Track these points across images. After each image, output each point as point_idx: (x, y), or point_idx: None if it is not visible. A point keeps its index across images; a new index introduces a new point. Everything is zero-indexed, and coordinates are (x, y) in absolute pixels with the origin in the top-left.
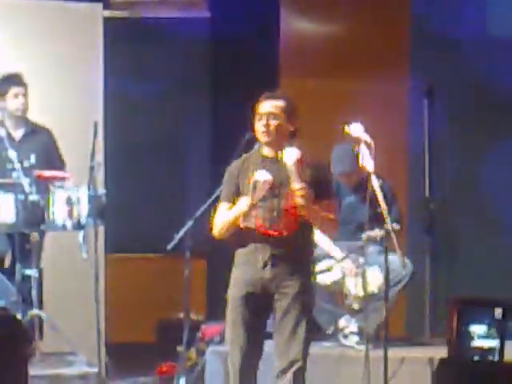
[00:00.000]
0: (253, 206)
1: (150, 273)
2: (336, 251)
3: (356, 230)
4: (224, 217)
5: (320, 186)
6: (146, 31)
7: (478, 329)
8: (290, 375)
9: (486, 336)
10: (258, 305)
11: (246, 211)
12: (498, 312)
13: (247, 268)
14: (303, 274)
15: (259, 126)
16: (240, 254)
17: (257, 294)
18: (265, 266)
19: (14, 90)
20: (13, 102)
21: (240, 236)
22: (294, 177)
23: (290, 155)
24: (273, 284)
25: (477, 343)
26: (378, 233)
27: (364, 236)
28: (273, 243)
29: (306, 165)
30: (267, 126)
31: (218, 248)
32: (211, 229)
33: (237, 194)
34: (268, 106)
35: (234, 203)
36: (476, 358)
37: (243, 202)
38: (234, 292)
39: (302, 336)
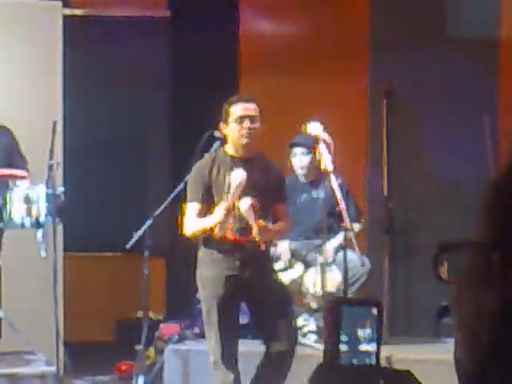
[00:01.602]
0: (230, 209)
1: (108, 271)
2: (285, 253)
3: (313, 227)
4: (200, 223)
5: (275, 190)
6: (105, 30)
7: (363, 332)
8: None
9: (372, 340)
10: (233, 302)
11: (224, 216)
12: (374, 312)
13: (220, 268)
14: (272, 272)
15: (238, 129)
16: (210, 253)
17: (232, 292)
18: (241, 264)
19: None
20: None
21: (212, 236)
22: (250, 220)
23: (244, 203)
24: (249, 281)
25: (363, 347)
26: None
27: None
28: (245, 244)
29: (266, 167)
30: (249, 128)
31: (176, 247)
32: (178, 229)
33: (206, 194)
34: (248, 109)
35: (205, 203)
36: (354, 361)
37: (221, 209)
38: (208, 291)
39: (290, 322)
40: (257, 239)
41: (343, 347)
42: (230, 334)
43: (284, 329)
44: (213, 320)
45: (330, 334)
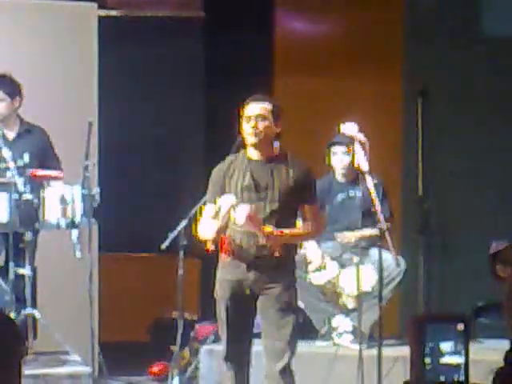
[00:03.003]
0: (220, 231)
1: (144, 272)
2: (316, 257)
3: (349, 227)
4: (202, 232)
5: (304, 190)
6: (140, 30)
7: (445, 346)
8: (277, 374)
9: (454, 352)
10: (243, 305)
11: (217, 235)
12: (461, 327)
13: (232, 270)
14: (286, 276)
15: (247, 128)
16: (223, 256)
17: (241, 295)
18: (249, 268)
19: None
20: None
21: (223, 239)
22: (252, 229)
23: (240, 214)
24: (256, 286)
25: (445, 360)
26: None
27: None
28: (251, 251)
29: (290, 166)
30: (255, 127)
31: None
32: (196, 230)
33: (222, 195)
34: (256, 108)
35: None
36: (442, 378)
37: (214, 227)
38: (220, 293)
39: (288, 334)
40: (268, 245)
41: (426, 360)
42: (236, 336)
43: (279, 344)
44: (222, 321)
45: (415, 350)
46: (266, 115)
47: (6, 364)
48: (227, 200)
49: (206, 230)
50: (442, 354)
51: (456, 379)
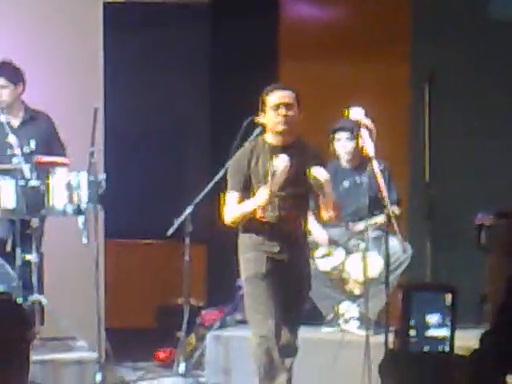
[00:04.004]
0: (273, 195)
1: (149, 258)
2: (323, 238)
3: (355, 213)
4: (241, 208)
5: None
6: (145, 16)
7: (432, 318)
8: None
9: (441, 325)
10: (275, 283)
11: (266, 201)
12: (448, 298)
13: (261, 250)
14: (306, 257)
15: (274, 116)
16: (251, 238)
17: (274, 274)
18: (280, 250)
19: None
20: None
21: (252, 221)
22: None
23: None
24: (286, 268)
25: (431, 333)
26: (376, 220)
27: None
28: (284, 230)
29: (307, 154)
30: (286, 115)
31: (217, 234)
32: (219, 217)
33: (247, 183)
34: (284, 97)
35: (244, 192)
36: (426, 348)
37: (263, 193)
38: (254, 271)
39: (297, 315)
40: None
41: (411, 332)
42: (275, 311)
43: (291, 321)
44: (261, 296)
45: (400, 320)
46: (293, 103)
47: (15, 349)
48: (283, 161)
49: (244, 206)
50: (427, 327)
51: (441, 349)
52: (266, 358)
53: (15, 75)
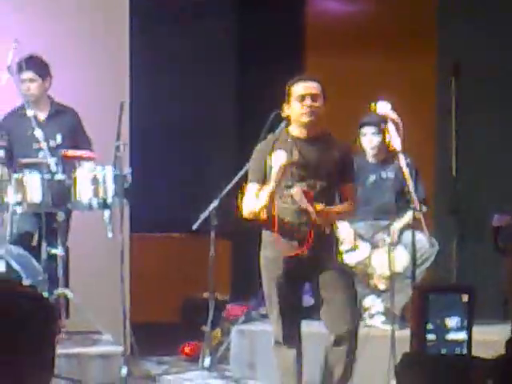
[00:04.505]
0: (273, 191)
1: (175, 252)
2: (349, 238)
3: (381, 208)
4: (251, 205)
5: (345, 169)
6: (172, 8)
7: (449, 320)
8: (345, 343)
9: (459, 327)
10: (295, 283)
11: (268, 199)
12: (465, 299)
13: (279, 248)
14: (334, 253)
15: (299, 107)
16: (270, 234)
17: (293, 273)
18: (298, 246)
19: (22, 75)
20: (22, 86)
21: (272, 216)
22: (306, 207)
23: (296, 192)
24: (310, 262)
25: (449, 335)
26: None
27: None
28: (308, 223)
29: (333, 146)
30: (311, 106)
31: (243, 228)
32: (239, 209)
33: (265, 175)
34: (309, 88)
35: (262, 184)
36: (444, 351)
37: (264, 193)
38: (271, 272)
39: (353, 304)
40: (318, 223)
41: (430, 336)
42: (290, 315)
43: (345, 313)
44: (273, 300)
45: (416, 322)
46: (319, 94)
47: (41, 342)
48: (279, 157)
49: (255, 202)
50: (445, 329)
51: (458, 352)
52: (279, 360)
53: (43, 69)
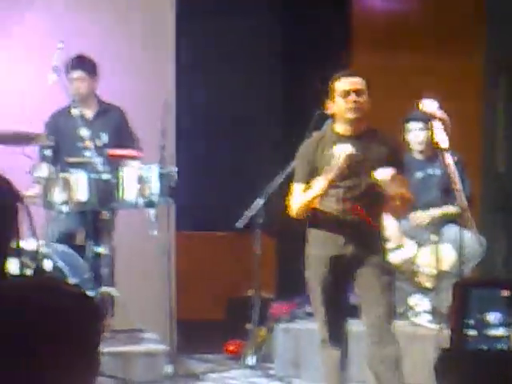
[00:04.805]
0: (332, 183)
1: (220, 250)
2: (395, 236)
3: (427, 205)
4: (303, 197)
5: (394, 163)
6: (218, 5)
7: (489, 316)
8: (382, 343)
9: (500, 323)
10: (339, 282)
11: (323, 191)
12: (506, 294)
13: (324, 246)
14: (379, 251)
15: (344, 103)
16: (316, 232)
17: (336, 272)
18: (345, 243)
19: (71, 74)
20: (71, 86)
21: (317, 214)
22: (390, 191)
23: (383, 173)
24: (354, 261)
25: (489, 331)
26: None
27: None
28: (352, 221)
29: (380, 142)
30: (356, 102)
31: (288, 226)
32: (286, 209)
33: (312, 174)
34: (354, 83)
35: (308, 183)
36: (484, 346)
37: (323, 181)
38: (314, 271)
39: (389, 298)
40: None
41: (471, 332)
42: (335, 314)
43: (381, 316)
44: (318, 300)
45: (456, 317)
46: (363, 89)
47: (86, 341)
48: (344, 149)
49: (304, 196)
50: (486, 325)
51: (499, 348)
52: (324, 359)
53: (92, 68)
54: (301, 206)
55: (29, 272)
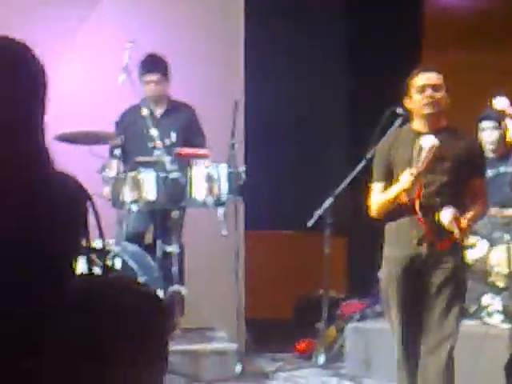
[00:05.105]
0: (419, 175)
1: (289, 249)
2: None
3: (500, 204)
4: (385, 195)
5: (470, 164)
6: (285, 6)
7: None
8: (444, 351)
9: None
10: (414, 281)
11: (412, 183)
12: None
13: (403, 245)
14: (458, 250)
15: (421, 98)
16: (393, 230)
17: (413, 271)
18: (421, 242)
19: (146, 77)
20: (146, 87)
21: (394, 213)
22: (453, 229)
23: (445, 216)
24: (430, 260)
25: None
26: None
27: None
28: (427, 220)
29: (460, 142)
30: (432, 97)
31: (358, 225)
32: (368, 210)
33: (390, 172)
34: (431, 78)
35: (387, 182)
36: None
37: (407, 174)
38: (388, 270)
39: (456, 312)
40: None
41: None
42: (410, 313)
43: (443, 324)
44: (391, 300)
45: None
46: (441, 84)
47: (155, 340)
48: (429, 140)
49: (387, 193)
50: None
51: None
52: (400, 359)
53: (166, 70)
54: (383, 205)
55: (98, 270)
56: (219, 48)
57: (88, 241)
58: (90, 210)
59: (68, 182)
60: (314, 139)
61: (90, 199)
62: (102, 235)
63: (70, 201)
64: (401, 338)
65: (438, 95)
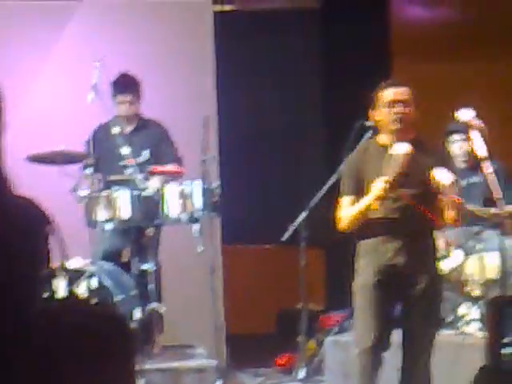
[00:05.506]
0: (392, 185)
1: (267, 263)
2: (441, 245)
3: (471, 214)
4: (354, 208)
5: None
6: (255, 23)
7: None
8: (421, 362)
9: None
10: (388, 293)
11: (384, 191)
12: None
13: (376, 257)
14: (432, 263)
15: (388, 114)
16: (366, 244)
17: (386, 282)
18: (395, 254)
19: (119, 97)
20: (119, 108)
21: (365, 226)
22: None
23: (444, 176)
24: (405, 272)
25: None
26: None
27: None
28: (401, 232)
29: (426, 154)
30: (401, 113)
31: (336, 237)
32: (336, 223)
33: (359, 186)
34: (399, 93)
35: (357, 195)
36: None
37: (381, 181)
38: (363, 281)
39: (432, 323)
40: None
41: (507, 350)
42: (381, 324)
43: (421, 336)
44: (364, 310)
45: (491, 336)
46: (409, 100)
47: (118, 365)
48: (402, 147)
49: (358, 204)
50: None
51: None
52: (361, 370)
53: (139, 90)
54: (353, 217)
55: (79, 290)
56: (189, 64)
57: (49, 266)
58: (53, 233)
59: (27, 207)
60: (288, 152)
61: (51, 223)
62: (65, 258)
63: (28, 227)
64: (368, 346)
65: (407, 111)
